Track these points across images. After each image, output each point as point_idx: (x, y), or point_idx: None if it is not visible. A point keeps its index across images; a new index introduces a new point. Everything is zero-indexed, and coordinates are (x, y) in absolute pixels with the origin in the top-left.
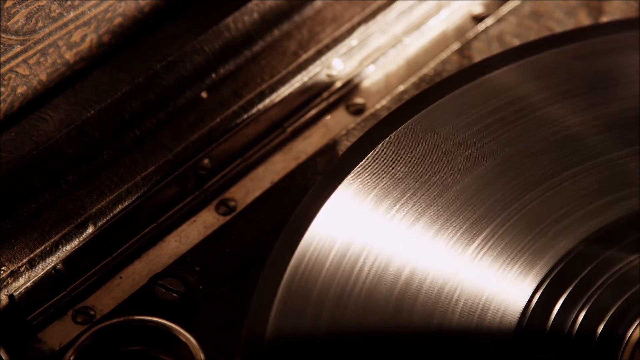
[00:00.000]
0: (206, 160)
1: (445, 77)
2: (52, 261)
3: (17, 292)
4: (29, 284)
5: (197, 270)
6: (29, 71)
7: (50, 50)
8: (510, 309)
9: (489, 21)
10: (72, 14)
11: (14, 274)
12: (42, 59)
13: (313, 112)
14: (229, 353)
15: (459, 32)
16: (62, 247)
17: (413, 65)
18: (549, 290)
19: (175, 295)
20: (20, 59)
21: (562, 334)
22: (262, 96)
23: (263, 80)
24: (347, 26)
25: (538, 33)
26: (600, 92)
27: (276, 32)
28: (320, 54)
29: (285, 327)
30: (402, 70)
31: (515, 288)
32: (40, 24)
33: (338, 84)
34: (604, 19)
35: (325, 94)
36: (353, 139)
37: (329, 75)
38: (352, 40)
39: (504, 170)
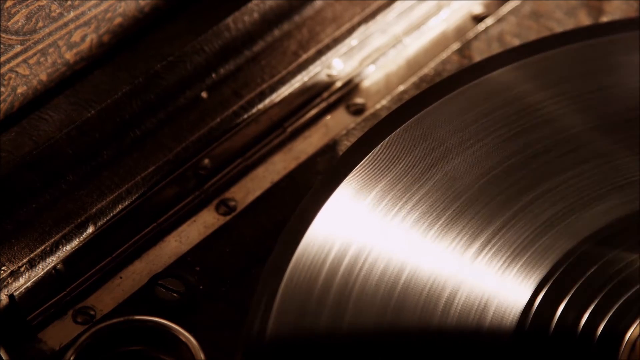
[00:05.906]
0: (206, 160)
1: (445, 77)
2: (52, 261)
3: (17, 292)
4: (29, 284)
5: (197, 270)
6: (29, 71)
7: (51, 50)
8: (511, 309)
9: (489, 21)
10: (72, 14)
11: (14, 274)
12: (42, 59)
13: (313, 112)
14: (229, 353)
15: (459, 32)
16: (62, 247)
17: (413, 65)
18: (548, 291)
19: (175, 295)
20: (20, 59)
21: (561, 334)
22: (262, 96)
23: (263, 80)
24: (347, 26)
25: (538, 33)
26: (600, 92)
27: (276, 32)
28: (320, 54)
29: (285, 327)
30: (402, 70)
31: (516, 288)
32: (40, 24)
33: (338, 84)
34: (604, 19)
35: (325, 94)
36: (353, 139)
37: (329, 75)
38: (352, 40)
39: (504, 170)
